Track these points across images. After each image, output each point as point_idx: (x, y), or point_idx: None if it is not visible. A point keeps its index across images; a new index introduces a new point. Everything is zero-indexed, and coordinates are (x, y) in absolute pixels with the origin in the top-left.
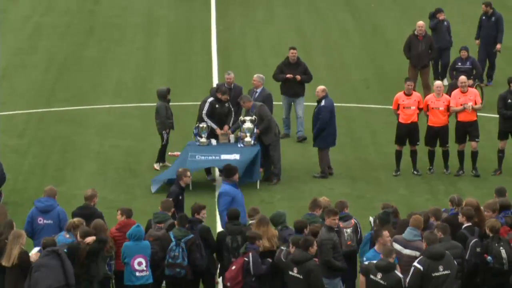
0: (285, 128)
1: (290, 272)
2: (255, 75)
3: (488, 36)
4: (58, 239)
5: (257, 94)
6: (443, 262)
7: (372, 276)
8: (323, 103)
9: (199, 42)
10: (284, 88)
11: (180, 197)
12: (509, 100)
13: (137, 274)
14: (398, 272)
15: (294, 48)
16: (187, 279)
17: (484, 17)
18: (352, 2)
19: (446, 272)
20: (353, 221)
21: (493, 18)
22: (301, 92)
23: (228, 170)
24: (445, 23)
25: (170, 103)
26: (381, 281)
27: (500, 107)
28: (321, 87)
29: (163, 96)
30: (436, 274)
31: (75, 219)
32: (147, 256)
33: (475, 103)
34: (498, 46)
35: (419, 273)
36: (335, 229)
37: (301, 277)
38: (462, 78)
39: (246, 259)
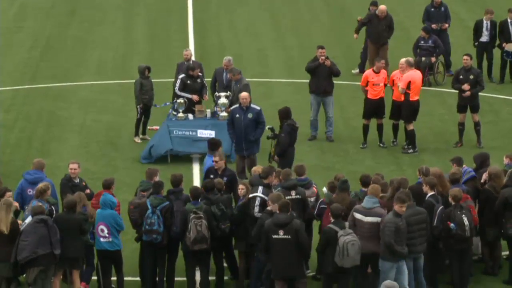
0: (313, 130)
1: (275, 236)
2: (225, 59)
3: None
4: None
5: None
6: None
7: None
8: (257, 107)
9: (176, 22)
10: (313, 86)
11: (212, 176)
12: (461, 76)
13: (101, 240)
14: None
15: (322, 48)
16: (162, 244)
17: (433, 9)
18: None
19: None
20: (315, 189)
21: (442, 8)
22: (331, 91)
23: (212, 144)
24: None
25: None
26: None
27: (452, 81)
28: (246, 93)
29: (140, 72)
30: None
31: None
32: (109, 224)
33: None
34: (446, 25)
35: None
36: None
37: (289, 237)
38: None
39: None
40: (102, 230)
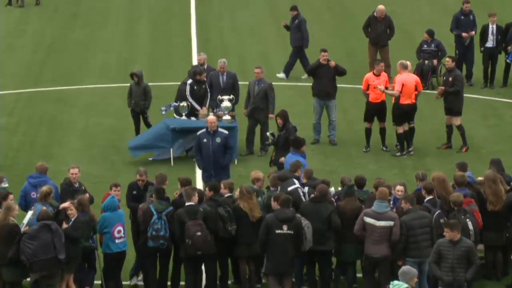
0: (316, 134)
1: (279, 231)
2: (221, 61)
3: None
4: (36, 208)
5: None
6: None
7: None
8: (225, 132)
9: (178, 25)
10: (316, 89)
11: (135, 192)
12: (444, 77)
13: (117, 241)
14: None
15: (325, 51)
16: (167, 250)
17: (462, 17)
18: None
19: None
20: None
21: (471, 16)
22: (334, 94)
23: (296, 142)
24: (296, 21)
25: (151, 84)
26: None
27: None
28: (214, 117)
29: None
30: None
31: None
32: (124, 224)
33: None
34: (469, 34)
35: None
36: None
37: (292, 232)
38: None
39: None
40: (119, 231)
